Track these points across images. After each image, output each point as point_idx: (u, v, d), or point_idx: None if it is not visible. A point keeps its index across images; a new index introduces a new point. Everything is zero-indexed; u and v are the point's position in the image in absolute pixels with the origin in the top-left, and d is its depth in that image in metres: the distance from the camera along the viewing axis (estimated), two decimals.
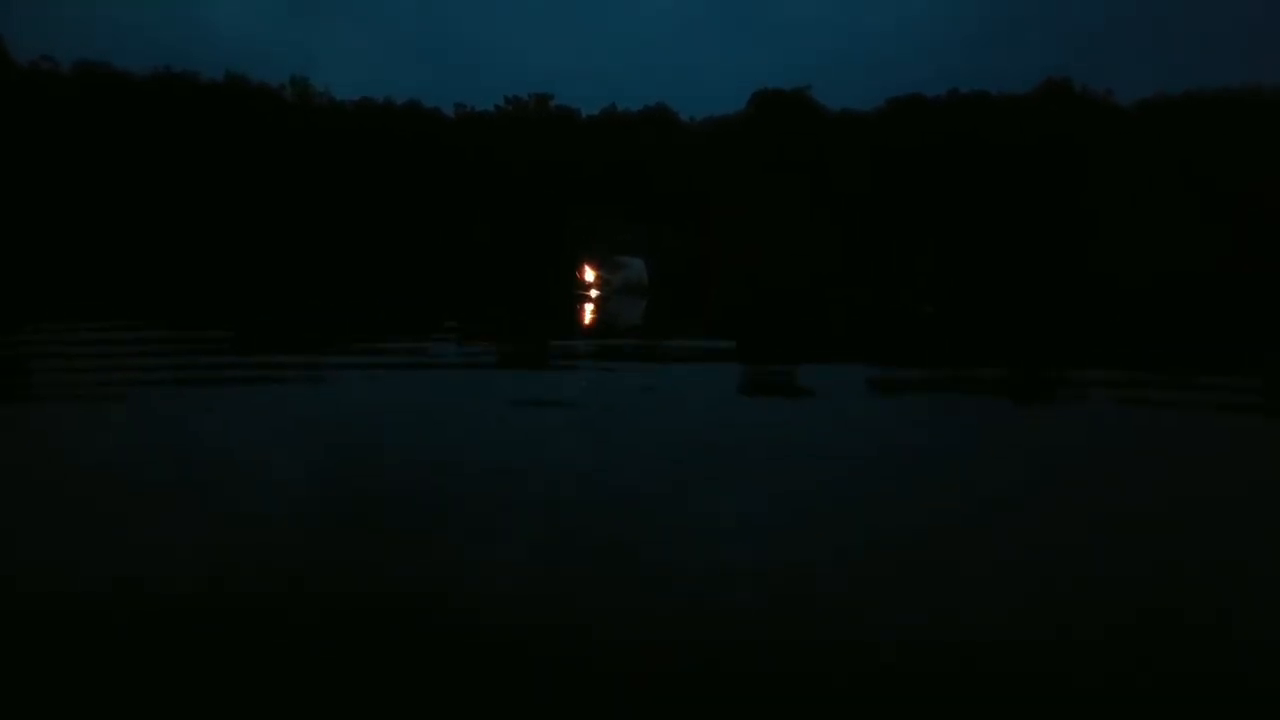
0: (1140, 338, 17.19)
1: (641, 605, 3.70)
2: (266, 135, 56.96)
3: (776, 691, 3.00)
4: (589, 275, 31.64)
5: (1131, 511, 5.20)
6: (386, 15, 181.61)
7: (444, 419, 7.70)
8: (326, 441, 6.79)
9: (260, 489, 5.37)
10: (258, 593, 3.75)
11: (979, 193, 51.67)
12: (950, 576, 4.08)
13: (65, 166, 50.26)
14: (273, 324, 16.73)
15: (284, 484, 5.53)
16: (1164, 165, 48.10)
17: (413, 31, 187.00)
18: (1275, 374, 12.11)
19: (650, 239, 41.37)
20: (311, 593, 3.76)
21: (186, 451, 6.29)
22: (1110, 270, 38.07)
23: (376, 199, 55.24)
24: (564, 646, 3.30)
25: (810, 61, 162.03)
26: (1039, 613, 3.71)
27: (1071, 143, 52.90)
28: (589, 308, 23.60)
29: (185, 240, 46.18)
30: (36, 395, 8.88)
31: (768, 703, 2.93)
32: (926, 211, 50.78)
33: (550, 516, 4.87)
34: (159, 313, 18.16)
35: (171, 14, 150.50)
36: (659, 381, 10.65)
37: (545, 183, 57.61)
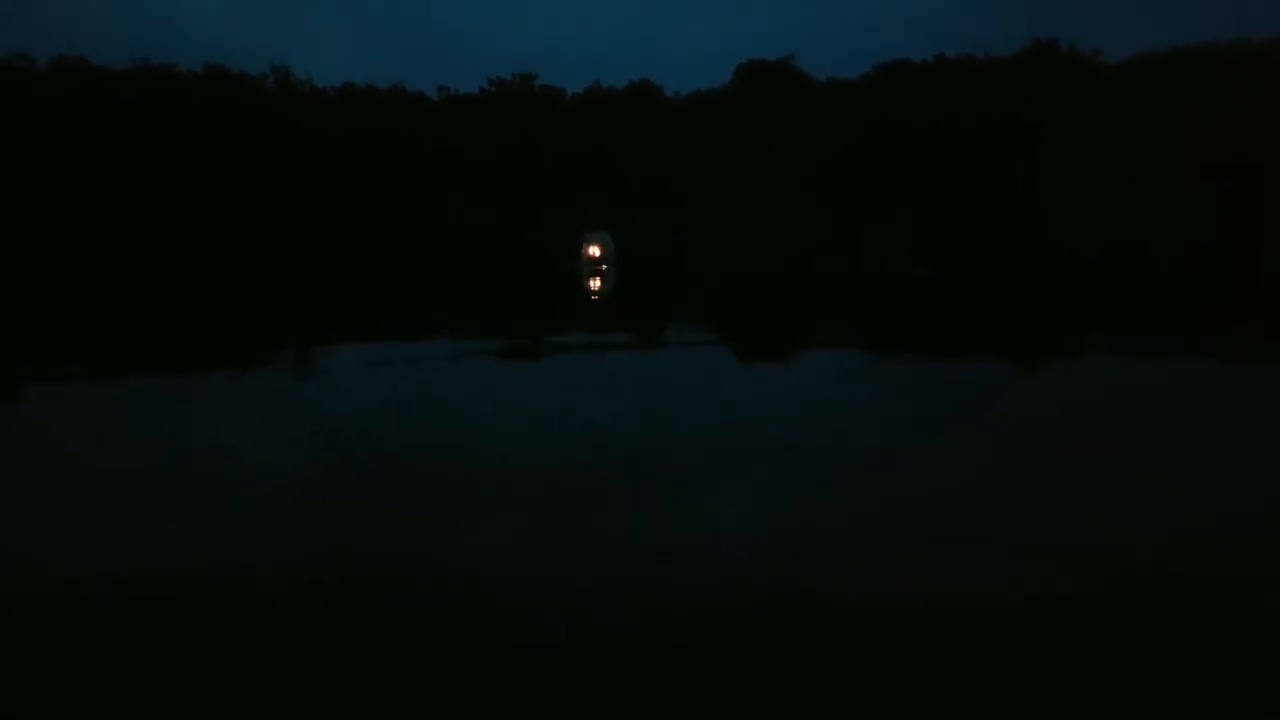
0: (1129, 303, 17.17)
1: (640, 579, 3.67)
2: (249, 125, 56.30)
3: (776, 659, 2.97)
4: (595, 251, 32.37)
5: (1145, 471, 5.20)
6: (366, 1, 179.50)
7: (441, 402, 7.64)
8: (322, 430, 6.73)
9: (258, 478, 5.32)
10: (254, 579, 3.71)
11: (965, 159, 51.40)
12: (961, 544, 4.06)
13: (45, 165, 49.68)
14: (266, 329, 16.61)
15: (282, 473, 5.47)
16: (1152, 123, 47.84)
17: (393, 16, 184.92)
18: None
19: (626, 215, 41.29)
20: (308, 579, 3.72)
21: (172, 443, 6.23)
22: (1096, 234, 37.96)
23: (363, 185, 54.78)
24: (564, 622, 3.27)
25: (795, 30, 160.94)
26: (1058, 574, 3.70)
27: (1059, 104, 52.54)
28: (595, 282, 24.41)
29: (170, 235, 45.77)
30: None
31: (767, 671, 2.90)
32: (913, 178, 50.50)
33: (551, 493, 4.83)
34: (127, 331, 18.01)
35: (148, 7, 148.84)
36: (642, 363, 10.60)
37: (531, 163, 57.19)
